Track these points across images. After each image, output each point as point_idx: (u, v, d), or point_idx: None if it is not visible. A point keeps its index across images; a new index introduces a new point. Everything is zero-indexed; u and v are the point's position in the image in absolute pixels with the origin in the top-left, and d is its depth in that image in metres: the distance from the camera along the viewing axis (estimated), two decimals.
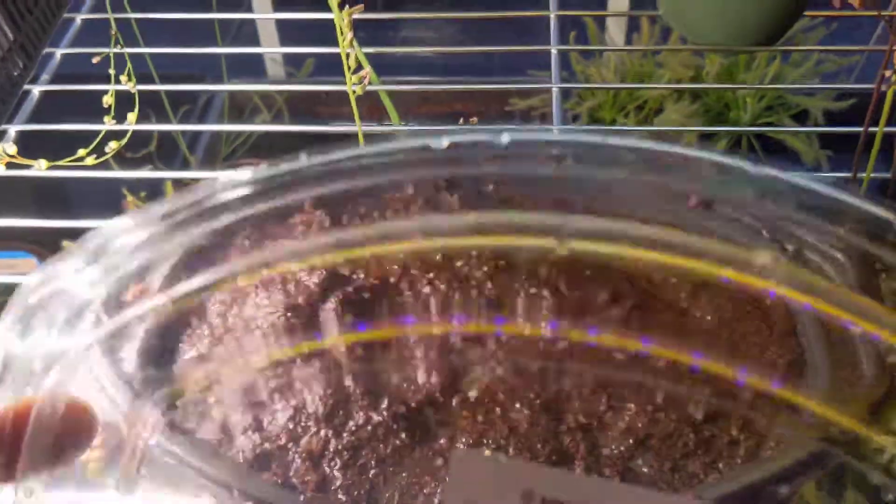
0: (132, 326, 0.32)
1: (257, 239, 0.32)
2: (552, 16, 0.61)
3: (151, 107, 0.68)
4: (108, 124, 0.51)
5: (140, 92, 0.54)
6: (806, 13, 0.60)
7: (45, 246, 0.64)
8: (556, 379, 0.32)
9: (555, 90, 0.53)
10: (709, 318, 0.34)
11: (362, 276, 0.36)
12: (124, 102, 0.53)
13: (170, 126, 0.73)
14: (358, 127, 0.48)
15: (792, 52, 0.76)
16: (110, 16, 0.57)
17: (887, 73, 0.44)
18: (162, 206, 0.23)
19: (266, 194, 0.24)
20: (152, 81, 0.66)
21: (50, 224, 0.50)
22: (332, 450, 0.31)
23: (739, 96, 0.79)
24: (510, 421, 0.32)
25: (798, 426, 0.31)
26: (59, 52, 0.60)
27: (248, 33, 0.95)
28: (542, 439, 0.31)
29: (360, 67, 0.45)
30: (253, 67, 0.91)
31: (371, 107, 0.56)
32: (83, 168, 0.49)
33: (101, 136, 0.51)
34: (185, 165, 0.79)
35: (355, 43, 0.43)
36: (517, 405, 0.32)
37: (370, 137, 0.49)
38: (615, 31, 0.87)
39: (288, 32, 0.90)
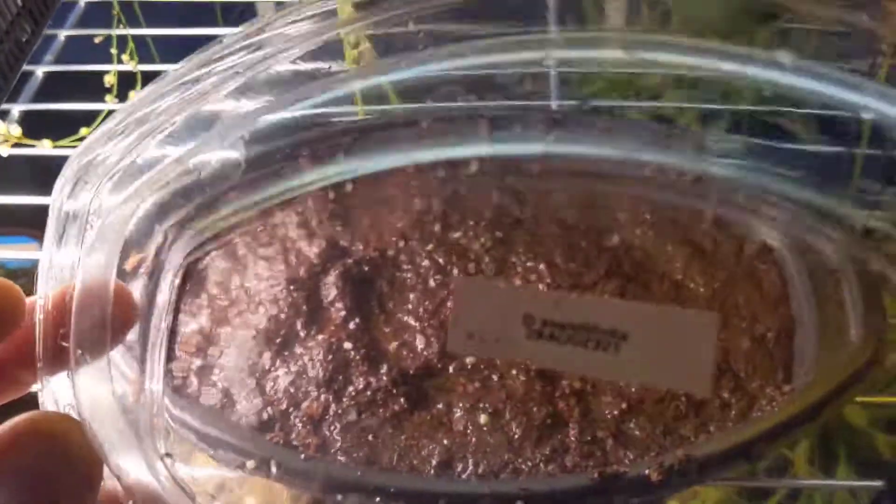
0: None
1: None
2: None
3: None
4: (111, 104, 0.52)
5: (142, 72, 0.55)
6: None
7: None
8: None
9: (552, 72, 0.54)
10: (702, 287, 0.35)
11: (361, 246, 0.37)
12: (126, 83, 0.54)
13: None
14: (358, 104, 0.48)
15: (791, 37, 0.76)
16: None
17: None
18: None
19: None
20: (154, 62, 0.67)
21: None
22: (332, 413, 0.32)
23: (738, 85, 0.79)
24: (506, 387, 0.32)
25: (786, 390, 0.31)
26: (62, 34, 0.61)
27: (250, 14, 0.95)
28: (537, 404, 0.32)
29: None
30: None
31: None
32: None
33: (103, 115, 0.51)
34: None
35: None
36: (513, 371, 0.32)
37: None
38: (615, 18, 0.87)
39: None
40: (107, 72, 0.52)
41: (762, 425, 0.29)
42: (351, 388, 0.33)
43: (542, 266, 0.35)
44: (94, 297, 0.21)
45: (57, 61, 0.59)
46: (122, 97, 0.52)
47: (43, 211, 0.24)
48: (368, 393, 0.33)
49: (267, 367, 0.34)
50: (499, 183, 0.38)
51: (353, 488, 0.30)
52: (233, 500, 0.32)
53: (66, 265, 0.22)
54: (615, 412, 0.31)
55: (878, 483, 0.32)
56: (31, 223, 0.67)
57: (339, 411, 0.32)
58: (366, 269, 0.36)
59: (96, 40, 0.55)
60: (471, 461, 0.31)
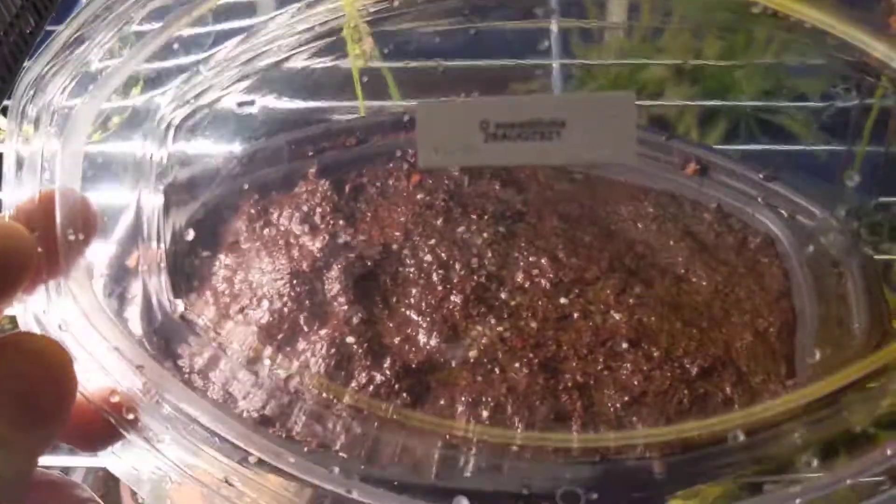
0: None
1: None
2: None
3: None
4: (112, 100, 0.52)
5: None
6: None
7: None
8: (553, 339, 0.33)
9: (555, 66, 0.54)
10: (704, 282, 0.35)
11: (364, 239, 0.37)
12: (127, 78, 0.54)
13: None
14: (360, 102, 0.48)
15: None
16: None
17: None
18: None
19: None
20: None
21: None
22: (334, 407, 0.32)
23: (738, 80, 0.80)
24: (509, 380, 0.32)
25: (789, 385, 0.31)
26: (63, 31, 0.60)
27: (249, 12, 0.95)
28: (540, 397, 0.32)
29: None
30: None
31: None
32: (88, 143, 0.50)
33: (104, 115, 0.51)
34: None
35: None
36: (516, 364, 0.32)
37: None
38: (617, 14, 0.87)
39: None
40: None
41: (764, 420, 0.30)
42: (354, 383, 0.33)
43: (544, 260, 0.35)
44: (65, 202, 0.23)
45: None
46: (123, 93, 0.52)
47: None
48: (371, 387, 0.33)
49: (269, 361, 0.34)
50: (501, 177, 0.39)
51: (356, 483, 0.30)
52: (233, 495, 0.32)
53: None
54: (617, 405, 0.31)
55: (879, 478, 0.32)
56: None
57: (342, 405, 0.32)
58: (368, 263, 0.36)
59: None
60: (473, 455, 0.31)
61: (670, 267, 0.35)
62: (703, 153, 0.39)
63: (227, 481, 0.28)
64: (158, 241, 0.35)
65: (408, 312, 0.35)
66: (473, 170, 0.38)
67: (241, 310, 0.35)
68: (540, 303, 0.34)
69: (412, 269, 0.36)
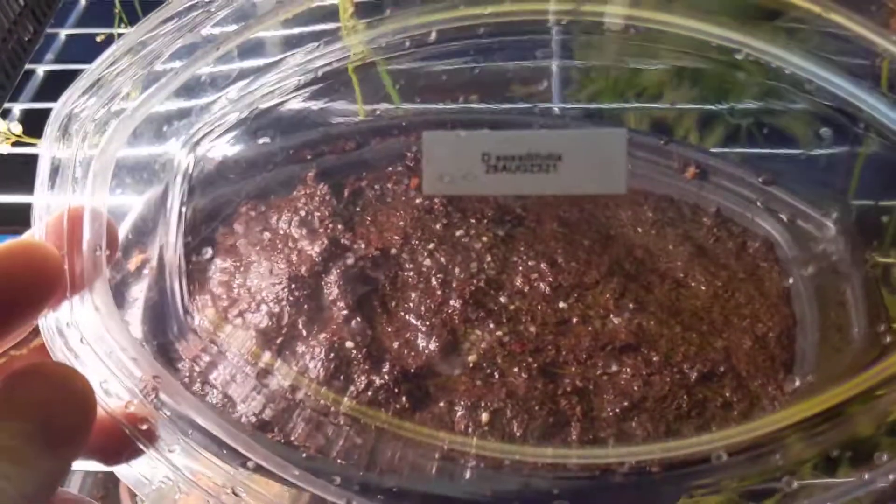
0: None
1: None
2: None
3: None
4: None
5: None
6: None
7: None
8: (553, 343, 0.33)
9: (555, 67, 0.54)
10: (703, 287, 0.35)
11: (363, 243, 0.37)
12: None
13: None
14: (359, 104, 0.48)
15: (795, 31, 0.76)
16: None
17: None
18: None
19: None
20: None
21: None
22: (333, 413, 0.32)
23: (739, 80, 0.79)
24: (508, 385, 0.32)
25: (788, 390, 0.31)
26: (63, 33, 0.61)
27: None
28: (538, 402, 0.32)
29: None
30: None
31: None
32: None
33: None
34: None
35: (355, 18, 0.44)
36: (515, 369, 0.32)
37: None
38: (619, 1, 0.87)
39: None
40: None
41: (764, 426, 0.29)
42: (352, 387, 0.33)
43: (543, 265, 0.35)
44: (94, 219, 0.24)
45: (58, 60, 0.59)
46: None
47: None
48: (370, 392, 0.33)
49: (267, 366, 0.34)
50: None
51: (355, 488, 0.30)
52: (232, 502, 0.32)
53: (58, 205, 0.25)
54: (616, 410, 0.31)
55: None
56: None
57: (341, 410, 0.32)
58: (367, 267, 0.36)
59: (98, 39, 0.55)
60: (472, 460, 0.31)
61: (669, 271, 0.35)
62: (703, 157, 0.39)
63: (226, 488, 0.28)
64: (158, 245, 0.35)
65: (407, 317, 0.35)
66: None
67: (240, 314, 0.35)
68: (539, 307, 0.34)
69: (411, 274, 0.36)
